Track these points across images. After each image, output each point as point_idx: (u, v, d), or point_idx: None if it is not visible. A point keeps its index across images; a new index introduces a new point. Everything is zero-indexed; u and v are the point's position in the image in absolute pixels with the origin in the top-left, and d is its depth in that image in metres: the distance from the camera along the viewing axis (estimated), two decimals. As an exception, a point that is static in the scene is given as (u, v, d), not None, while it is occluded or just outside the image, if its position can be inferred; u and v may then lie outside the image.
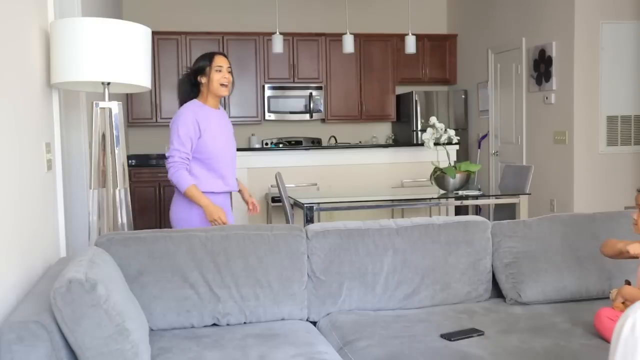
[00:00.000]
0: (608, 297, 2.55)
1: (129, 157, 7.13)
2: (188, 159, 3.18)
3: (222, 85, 3.22)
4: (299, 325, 2.49)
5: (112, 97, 2.87)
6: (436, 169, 4.99)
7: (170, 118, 3.31)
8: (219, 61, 3.22)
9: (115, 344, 1.75)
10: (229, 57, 3.37)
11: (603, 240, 2.58)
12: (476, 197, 5.10)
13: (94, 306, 1.72)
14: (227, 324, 2.47)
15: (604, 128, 6.09)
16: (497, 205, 6.39)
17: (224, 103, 7.36)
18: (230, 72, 3.27)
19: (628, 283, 2.37)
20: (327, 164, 6.28)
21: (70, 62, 2.58)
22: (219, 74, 3.21)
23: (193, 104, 3.23)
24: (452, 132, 5.06)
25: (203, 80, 3.22)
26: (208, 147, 3.19)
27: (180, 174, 3.13)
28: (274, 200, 5.81)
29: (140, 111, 7.31)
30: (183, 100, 3.29)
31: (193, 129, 3.16)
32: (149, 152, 7.50)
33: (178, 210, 3.25)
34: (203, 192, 3.17)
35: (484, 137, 7.76)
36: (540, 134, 6.59)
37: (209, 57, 3.23)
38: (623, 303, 2.26)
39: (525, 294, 2.71)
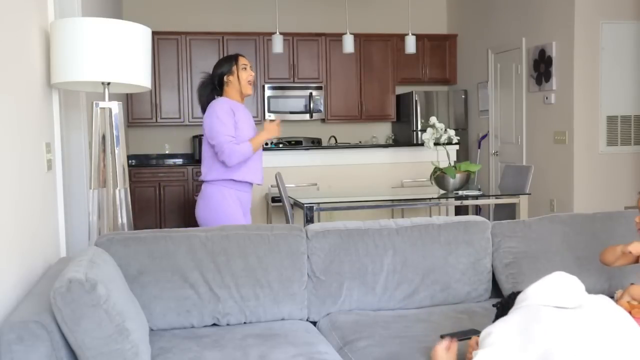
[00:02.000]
0: (608, 297, 2.54)
1: (129, 157, 7.13)
2: (234, 137, 3.30)
3: (249, 82, 3.42)
4: (298, 325, 2.49)
5: (112, 97, 2.87)
6: (436, 169, 4.98)
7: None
8: (244, 60, 3.44)
9: (115, 344, 1.75)
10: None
11: (603, 240, 2.57)
12: (476, 197, 5.10)
13: (94, 306, 1.72)
14: (227, 324, 2.47)
15: (603, 128, 6.09)
16: (497, 205, 6.39)
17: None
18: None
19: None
20: (327, 164, 6.28)
21: (70, 62, 2.58)
22: (246, 72, 3.42)
23: (223, 98, 3.40)
24: (452, 132, 5.06)
25: (231, 79, 3.40)
26: (239, 138, 3.33)
27: (236, 149, 3.26)
28: (274, 200, 5.80)
29: (140, 111, 7.31)
30: (205, 103, 3.44)
31: (229, 113, 3.30)
32: (149, 152, 7.50)
33: (205, 210, 3.39)
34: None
35: (484, 137, 7.76)
36: (540, 134, 6.59)
37: (233, 58, 3.44)
38: (628, 302, 2.25)
39: (525, 294, 2.71)
